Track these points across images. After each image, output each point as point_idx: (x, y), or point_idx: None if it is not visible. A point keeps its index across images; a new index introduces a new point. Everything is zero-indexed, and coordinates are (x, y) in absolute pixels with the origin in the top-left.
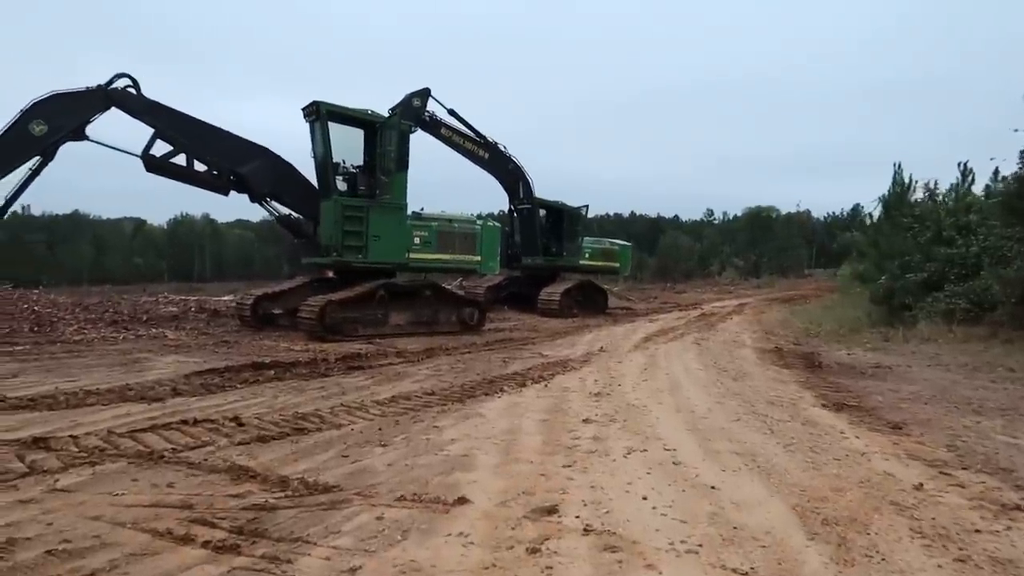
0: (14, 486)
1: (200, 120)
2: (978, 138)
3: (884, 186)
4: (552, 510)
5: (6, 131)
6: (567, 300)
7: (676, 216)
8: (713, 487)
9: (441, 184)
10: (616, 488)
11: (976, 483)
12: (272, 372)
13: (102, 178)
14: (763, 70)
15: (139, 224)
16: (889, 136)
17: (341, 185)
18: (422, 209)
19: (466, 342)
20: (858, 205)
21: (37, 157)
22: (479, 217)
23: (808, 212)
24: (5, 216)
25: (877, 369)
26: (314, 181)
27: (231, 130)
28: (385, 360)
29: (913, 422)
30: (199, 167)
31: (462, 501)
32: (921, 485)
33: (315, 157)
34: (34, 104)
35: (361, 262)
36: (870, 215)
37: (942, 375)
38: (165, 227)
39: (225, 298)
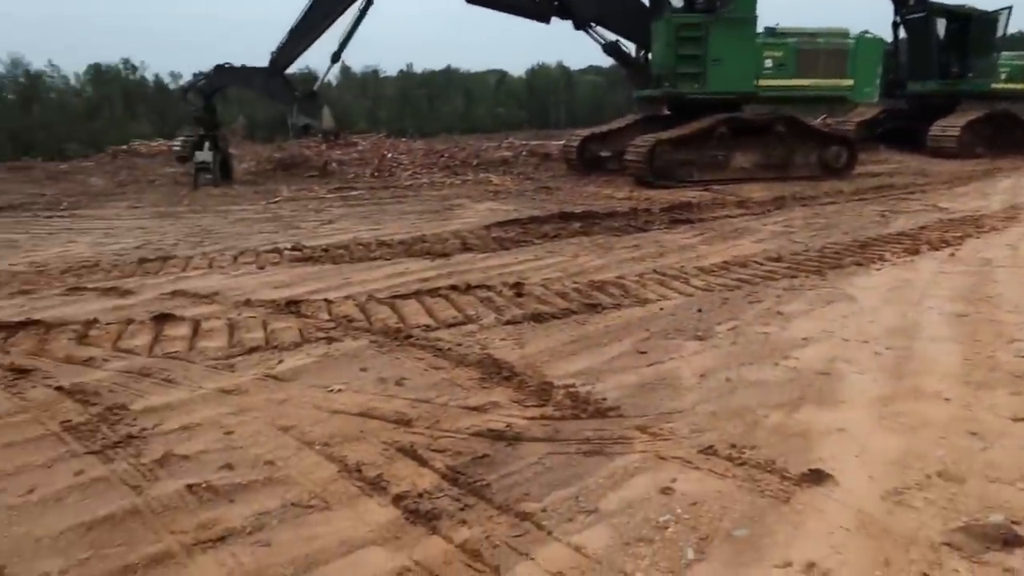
0: (231, 366)
1: None
2: None
3: None
4: (1010, 540)
5: None
6: (969, 136)
7: None
8: None
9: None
10: None
11: None
12: (579, 225)
13: (469, 34)
14: None
15: (501, 76)
16: None
17: (676, 1)
18: (777, 24)
19: (829, 190)
20: None
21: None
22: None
23: None
24: (338, 61)
25: None
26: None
27: None
28: (721, 211)
29: None
30: None
31: (815, 480)
32: None
33: None
34: None
35: (698, 93)
36: None
37: None
38: (524, 77)
39: (560, 142)
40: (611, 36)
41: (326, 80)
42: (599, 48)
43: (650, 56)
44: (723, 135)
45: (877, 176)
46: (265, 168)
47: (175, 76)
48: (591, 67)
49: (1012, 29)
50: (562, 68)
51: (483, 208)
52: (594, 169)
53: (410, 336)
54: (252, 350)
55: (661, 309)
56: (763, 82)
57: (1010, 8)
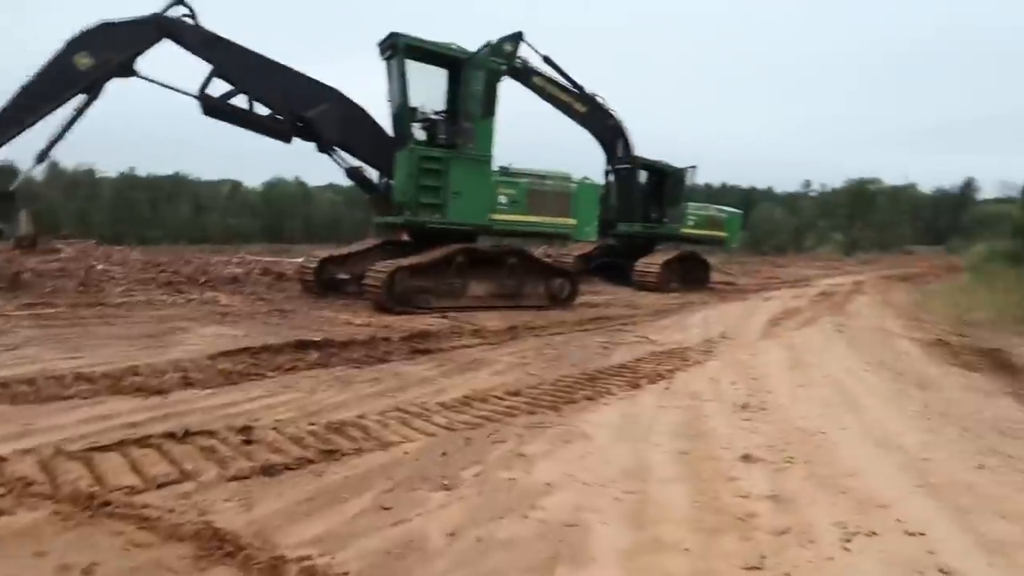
0: None
1: (263, 56)
2: None
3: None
4: None
5: (49, 64)
6: (667, 273)
7: (770, 188)
8: None
9: (529, 145)
10: None
11: None
12: (316, 355)
13: (202, 140)
14: (890, 37)
15: (235, 185)
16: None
17: (419, 133)
18: (510, 164)
19: (555, 319)
20: (972, 179)
21: (82, 95)
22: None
23: (915, 186)
24: (44, 161)
25: None
26: (390, 129)
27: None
28: (459, 341)
29: None
30: (262, 110)
31: None
32: None
33: (391, 101)
34: (81, 34)
35: (438, 223)
36: None
37: None
38: (260, 189)
39: (298, 260)
40: (355, 161)
41: (29, 175)
42: (340, 168)
43: (392, 183)
44: (460, 264)
45: (595, 307)
46: None
47: None
48: (330, 185)
49: (698, 182)
50: (300, 183)
51: (209, 333)
52: (331, 291)
53: (108, 503)
54: None
55: (405, 453)
56: (497, 216)
57: (694, 166)
